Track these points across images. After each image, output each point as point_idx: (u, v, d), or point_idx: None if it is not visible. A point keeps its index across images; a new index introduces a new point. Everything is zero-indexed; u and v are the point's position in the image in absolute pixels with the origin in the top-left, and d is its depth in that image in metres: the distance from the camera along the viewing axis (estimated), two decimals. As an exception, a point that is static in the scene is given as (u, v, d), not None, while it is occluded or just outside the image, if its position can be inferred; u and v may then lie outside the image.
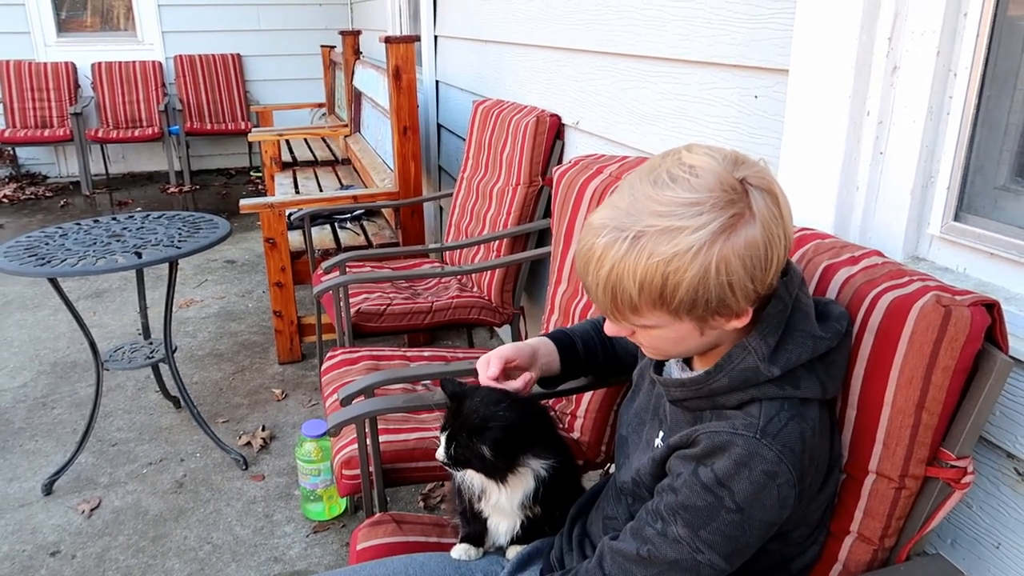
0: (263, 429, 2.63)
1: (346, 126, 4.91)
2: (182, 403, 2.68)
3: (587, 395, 1.63)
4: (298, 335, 3.11)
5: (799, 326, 0.88)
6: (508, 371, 1.14)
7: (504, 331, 3.04)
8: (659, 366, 1.03)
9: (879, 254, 1.03)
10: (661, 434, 0.99)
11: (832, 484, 0.94)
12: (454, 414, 1.09)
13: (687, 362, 0.99)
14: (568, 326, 1.29)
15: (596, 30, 2.04)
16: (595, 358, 1.26)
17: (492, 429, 1.05)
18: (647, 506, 0.92)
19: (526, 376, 1.15)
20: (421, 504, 2.24)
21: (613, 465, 1.73)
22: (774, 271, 0.83)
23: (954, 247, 1.12)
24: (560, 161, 2.38)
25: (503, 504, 1.14)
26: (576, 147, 2.29)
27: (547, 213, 2.45)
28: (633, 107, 1.89)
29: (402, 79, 3.10)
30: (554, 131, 2.36)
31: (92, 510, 2.25)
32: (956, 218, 1.12)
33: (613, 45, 1.96)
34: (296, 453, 2.18)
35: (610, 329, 0.92)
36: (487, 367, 1.12)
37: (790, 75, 1.28)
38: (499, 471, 1.08)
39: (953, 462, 0.88)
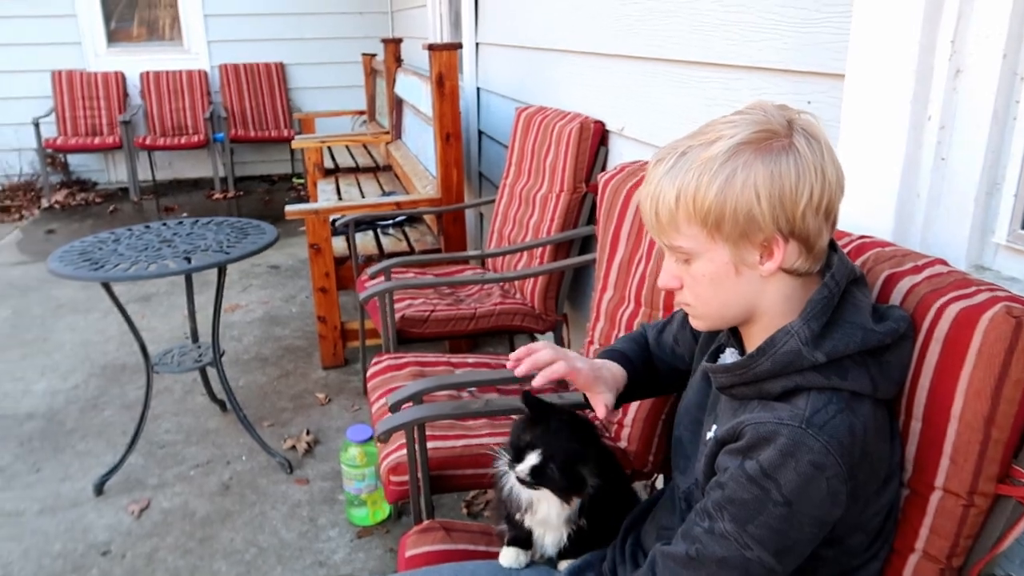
0: (307, 433, 2.65)
1: (387, 133, 4.95)
2: (228, 406, 2.72)
3: (634, 404, 1.62)
4: (341, 340, 3.14)
5: (849, 318, 0.87)
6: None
7: (547, 338, 3.03)
8: (713, 357, 1.04)
9: (943, 263, 1.00)
10: (714, 428, 0.97)
11: (891, 492, 0.91)
12: (545, 433, 1.06)
13: (742, 355, 0.99)
14: (618, 345, 1.26)
15: (641, 35, 2.03)
16: (647, 380, 1.24)
17: (587, 458, 1.06)
18: (696, 506, 0.91)
19: (605, 401, 1.12)
20: (464, 511, 2.24)
21: (660, 476, 1.72)
22: (807, 202, 0.84)
23: (1021, 256, 1.09)
24: (604, 168, 2.37)
25: (550, 519, 1.14)
26: (620, 154, 2.28)
27: (591, 220, 2.44)
28: (680, 113, 1.87)
29: (445, 86, 3.12)
30: (598, 137, 2.35)
31: (141, 511, 2.29)
32: (1024, 226, 1.08)
33: (659, 50, 1.94)
34: (341, 458, 2.19)
35: (663, 278, 0.96)
36: (552, 371, 1.06)
37: (846, 80, 1.25)
38: (571, 493, 1.08)
39: (1026, 479, 0.85)
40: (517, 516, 1.16)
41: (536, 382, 1.06)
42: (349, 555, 2.08)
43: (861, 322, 0.87)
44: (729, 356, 1.01)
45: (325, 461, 2.52)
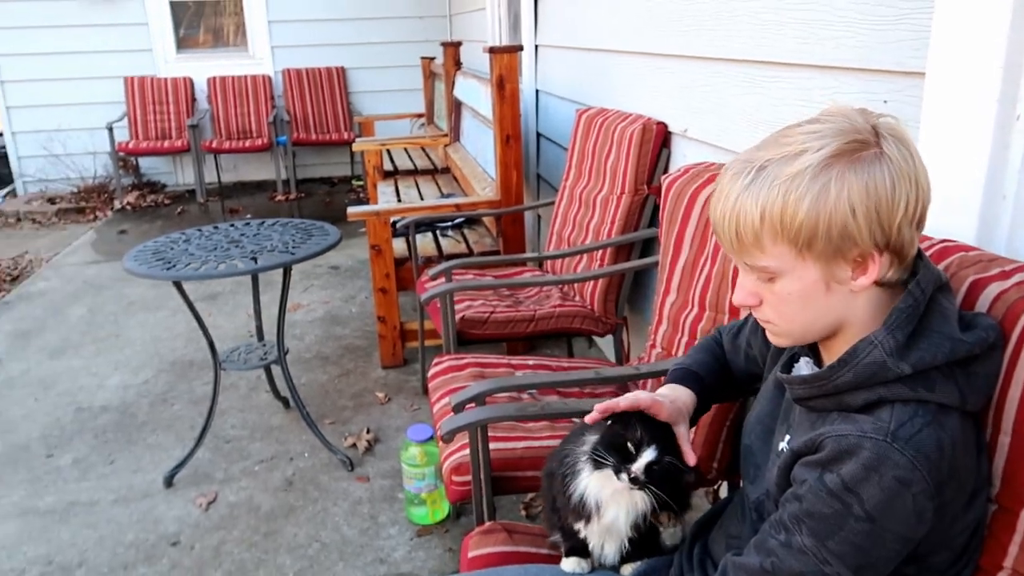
0: (368, 432, 2.69)
1: (446, 135, 4.99)
2: (292, 404, 2.78)
3: (698, 409, 1.59)
4: (401, 340, 3.17)
5: (935, 327, 0.84)
6: None
7: (605, 341, 3.01)
8: (787, 367, 1.00)
9: (1034, 268, 0.96)
10: (787, 438, 0.95)
11: (978, 508, 0.87)
12: (648, 431, 1.05)
13: (818, 365, 0.96)
14: (685, 359, 1.25)
15: (706, 35, 2.00)
16: (721, 390, 1.23)
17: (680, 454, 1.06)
18: (771, 518, 0.89)
19: (686, 436, 1.12)
20: (523, 513, 2.24)
21: (725, 483, 1.69)
22: (903, 213, 0.81)
23: (1117, 262, 1.03)
24: (666, 169, 2.34)
25: (618, 523, 1.12)
26: (683, 155, 2.25)
27: (651, 222, 2.42)
28: (747, 114, 1.84)
29: (505, 88, 3.13)
30: (660, 139, 2.33)
31: (209, 504, 2.36)
32: (1121, 230, 1.03)
33: (725, 50, 1.91)
34: (401, 457, 2.22)
35: (738, 295, 0.92)
36: (633, 399, 1.08)
37: (926, 78, 1.21)
38: (674, 491, 1.07)
39: (1125, 497, 0.81)
40: (576, 525, 1.15)
41: (621, 405, 1.07)
42: (409, 553, 2.10)
43: (948, 331, 0.83)
44: (804, 366, 0.98)
45: (385, 459, 2.55)
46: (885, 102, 1.36)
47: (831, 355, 0.92)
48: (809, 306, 0.87)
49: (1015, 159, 1.10)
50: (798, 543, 0.83)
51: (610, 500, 1.09)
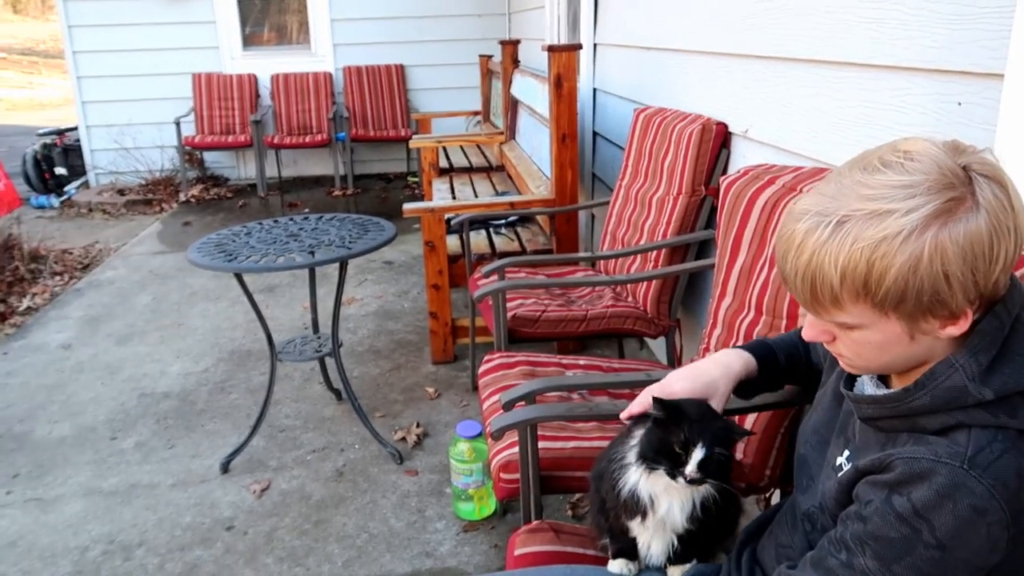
0: (417, 426, 2.72)
1: (501, 133, 5.01)
2: (344, 396, 2.82)
3: (752, 415, 1.56)
4: (452, 336, 3.19)
5: (1020, 349, 0.79)
6: None
7: (657, 343, 2.98)
8: (850, 380, 0.96)
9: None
10: (847, 453, 0.92)
11: None
12: (692, 425, 1.05)
13: (883, 379, 0.92)
14: (770, 337, 1.23)
15: (771, 34, 1.96)
16: (796, 373, 1.20)
17: (732, 436, 1.06)
18: (830, 535, 0.86)
19: (719, 399, 1.12)
20: (569, 513, 2.23)
21: (777, 491, 1.65)
22: (1001, 267, 0.75)
23: None
24: (725, 171, 2.30)
25: (672, 515, 1.10)
26: (743, 157, 2.21)
27: (708, 224, 2.38)
28: (811, 115, 1.80)
29: (563, 87, 3.12)
30: (720, 140, 2.29)
31: (263, 491, 2.41)
32: None
33: (790, 50, 1.87)
34: (449, 452, 2.23)
35: (808, 332, 0.87)
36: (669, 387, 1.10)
37: (1005, 79, 1.16)
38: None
39: None
40: (628, 522, 1.14)
41: (631, 409, 1.10)
42: (455, 548, 2.11)
43: None
44: (869, 383, 0.93)
45: (433, 454, 2.57)
46: (959, 104, 1.32)
47: (904, 377, 0.87)
48: (889, 352, 0.82)
49: (1099, 165, 1.05)
50: (861, 565, 0.80)
51: (663, 493, 1.08)
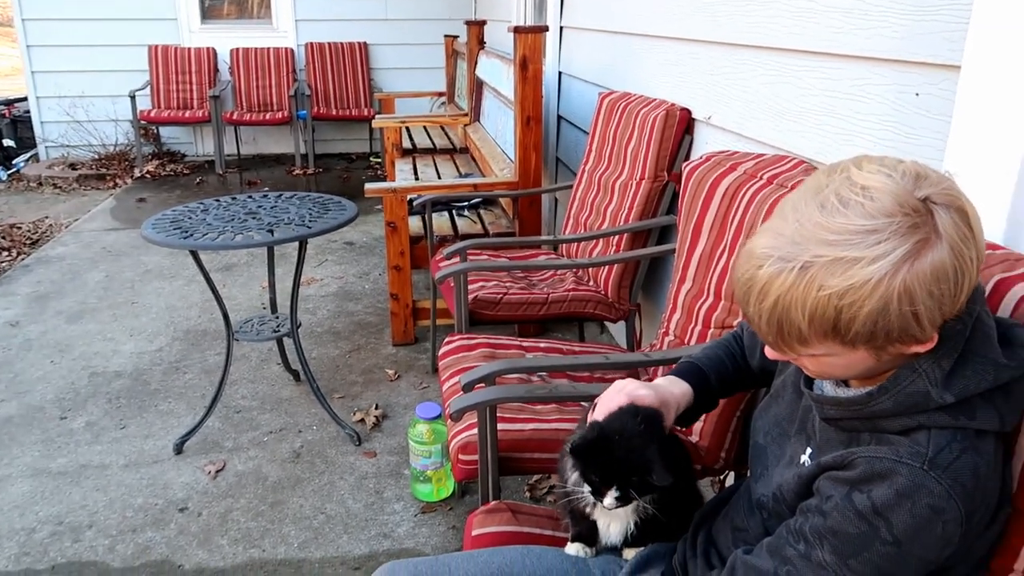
0: (376, 408, 2.70)
1: (466, 115, 4.97)
2: (302, 377, 2.79)
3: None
4: (412, 318, 3.17)
5: (980, 351, 0.80)
6: None
7: (617, 327, 3.00)
8: (809, 379, 0.96)
9: (1062, 269, 0.94)
10: (809, 451, 0.93)
11: (1001, 521, 0.86)
12: (607, 462, 1.03)
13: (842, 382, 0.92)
14: (697, 352, 1.22)
15: (735, 21, 1.97)
16: (729, 388, 1.20)
17: (657, 461, 1.02)
18: (788, 525, 0.87)
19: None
20: (527, 495, 2.24)
21: (732, 473, 1.68)
22: (965, 295, 0.76)
23: None
24: (688, 156, 2.31)
25: (611, 534, 1.13)
26: (706, 143, 2.22)
27: (670, 209, 2.40)
28: (773, 103, 1.81)
29: (528, 69, 3.10)
30: (683, 126, 2.30)
31: (218, 472, 2.38)
32: None
33: (754, 38, 1.88)
34: (408, 434, 2.22)
35: (770, 353, 0.88)
36: (608, 406, 1.06)
37: (962, 71, 1.18)
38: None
39: None
40: (583, 506, 1.14)
41: (599, 418, 1.06)
42: (413, 529, 2.11)
43: (993, 356, 0.80)
44: (829, 383, 0.92)
45: (392, 436, 2.56)
46: (917, 94, 1.34)
47: (864, 379, 0.87)
48: (853, 369, 0.83)
49: (1048, 157, 1.08)
50: (818, 557, 0.82)
51: (598, 510, 1.09)
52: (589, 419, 1.10)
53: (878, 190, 0.74)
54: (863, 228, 0.73)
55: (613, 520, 1.14)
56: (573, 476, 1.09)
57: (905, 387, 0.80)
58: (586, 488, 1.06)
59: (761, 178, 1.68)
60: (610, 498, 1.04)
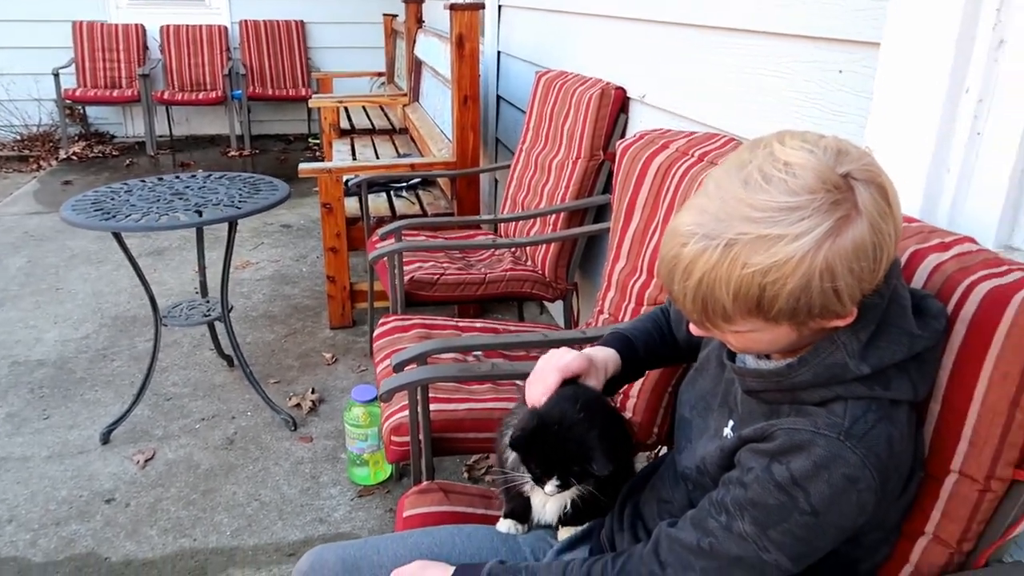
0: (312, 392, 2.65)
1: (405, 95, 4.89)
2: (235, 362, 2.72)
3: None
4: (350, 301, 3.12)
5: (895, 322, 0.82)
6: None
7: (556, 306, 3.00)
8: (732, 352, 0.96)
9: (972, 241, 0.96)
10: (731, 423, 0.94)
11: (913, 488, 0.88)
12: (547, 453, 1.02)
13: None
14: (625, 324, 1.23)
15: (668, 0, 1.97)
16: (656, 359, 1.21)
17: (597, 450, 1.01)
18: (711, 496, 0.88)
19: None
20: (465, 475, 2.23)
21: (663, 447, 1.69)
22: (883, 270, 0.77)
23: (1054, 237, 1.04)
24: (623, 135, 2.32)
25: (546, 514, 1.13)
26: (641, 121, 2.23)
27: (606, 188, 2.40)
28: (704, 81, 1.82)
29: (465, 47, 3.06)
30: (619, 104, 2.30)
31: (147, 461, 2.30)
32: (1059, 206, 1.04)
33: (685, 16, 1.88)
34: (344, 417, 2.19)
35: (695, 330, 0.88)
36: (544, 381, 1.04)
37: (881, 49, 1.20)
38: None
39: (1045, 466, 0.82)
40: (520, 486, 1.13)
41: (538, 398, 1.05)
42: (349, 513, 2.08)
43: (907, 327, 0.81)
44: (751, 357, 0.93)
45: (329, 420, 2.51)
46: (840, 72, 1.35)
47: (785, 352, 0.88)
48: (776, 344, 0.84)
49: (962, 132, 1.10)
50: (739, 528, 0.82)
51: (534, 492, 1.09)
52: (524, 397, 1.09)
53: (801, 166, 0.74)
54: (786, 205, 0.73)
55: (549, 500, 1.13)
56: (511, 458, 1.08)
57: (824, 359, 0.81)
58: (526, 474, 1.05)
59: (692, 155, 1.69)
60: (551, 486, 1.03)
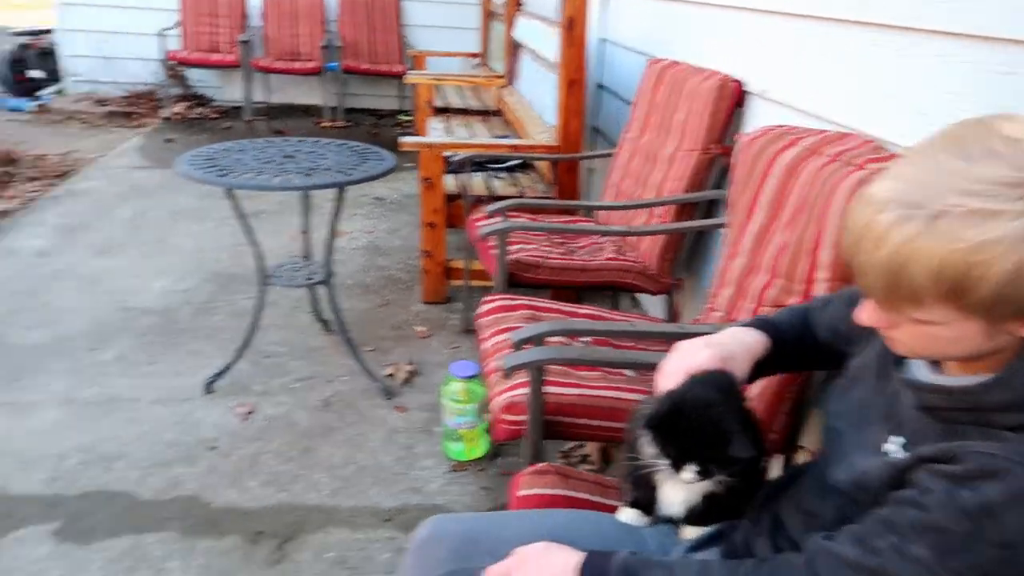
0: (409, 363, 2.70)
1: (501, 77, 4.90)
2: (333, 327, 2.78)
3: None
4: (445, 277, 3.16)
5: None
6: None
7: (650, 300, 2.98)
8: (898, 360, 0.91)
9: None
10: (901, 440, 0.88)
11: None
12: (684, 435, 1.00)
13: (935, 362, 0.88)
14: (771, 315, 1.19)
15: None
16: (799, 356, 1.16)
17: (737, 432, 0.99)
18: (878, 515, 0.83)
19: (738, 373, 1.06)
20: (560, 462, 2.24)
21: (780, 456, 1.65)
22: None
23: None
24: (738, 130, 2.27)
25: (673, 505, 1.10)
26: (758, 117, 2.18)
27: (717, 184, 2.36)
28: (840, 79, 1.77)
29: (575, 30, 3.04)
30: (736, 98, 2.25)
31: (248, 414, 2.39)
32: None
33: (817, 8, 1.83)
34: (442, 392, 2.22)
35: (868, 317, 0.83)
36: (676, 381, 1.02)
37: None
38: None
39: None
40: (651, 474, 1.11)
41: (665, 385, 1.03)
42: (443, 487, 2.12)
43: None
44: (923, 368, 0.87)
45: (423, 393, 2.55)
46: (1008, 73, 1.30)
47: (966, 364, 0.83)
48: (957, 347, 0.77)
49: None
50: (913, 553, 0.77)
51: (667, 481, 1.08)
52: (656, 388, 1.08)
53: (1012, 135, 0.70)
54: (1010, 180, 0.68)
55: (682, 492, 1.11)
56: (645, 443, 1.07)
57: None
58: (664, 462, 1.03)
59: (825, 154, 1.64)
60: (689, 472, 1.01)
